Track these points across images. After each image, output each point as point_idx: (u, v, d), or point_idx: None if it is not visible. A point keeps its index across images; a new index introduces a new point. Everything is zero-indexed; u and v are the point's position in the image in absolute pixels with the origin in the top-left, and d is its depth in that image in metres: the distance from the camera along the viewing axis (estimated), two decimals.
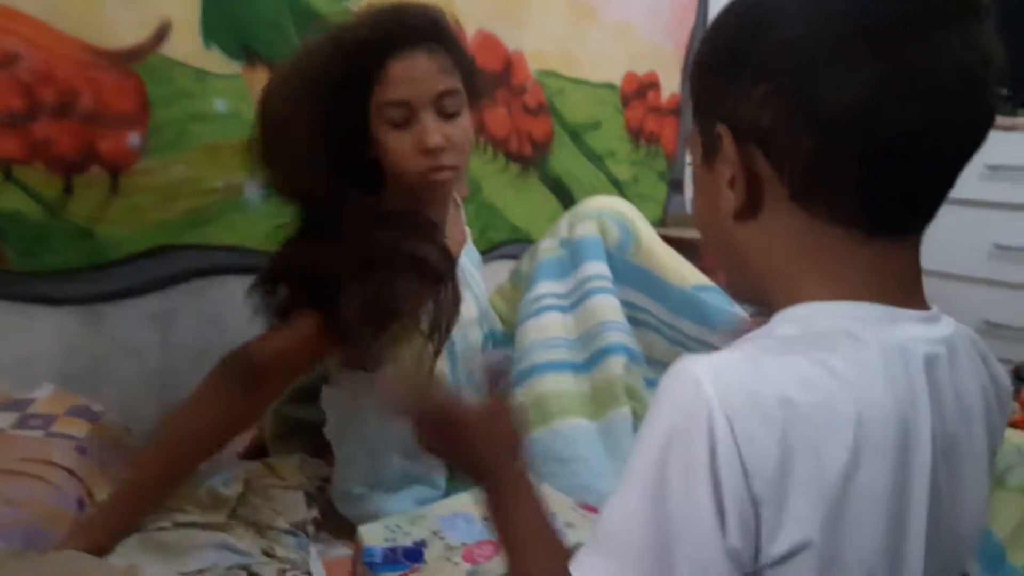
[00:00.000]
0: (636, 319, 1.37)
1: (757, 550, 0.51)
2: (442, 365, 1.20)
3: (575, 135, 2.05)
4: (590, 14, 2.02)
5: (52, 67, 1.23)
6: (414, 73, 1.10)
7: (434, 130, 1.11)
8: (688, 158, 0.68)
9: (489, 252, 1.91)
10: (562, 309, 1.35)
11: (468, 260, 1.34)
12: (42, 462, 1.04)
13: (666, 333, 1.36)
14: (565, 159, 2.03)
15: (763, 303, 0.63)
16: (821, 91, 0.53)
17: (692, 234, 2.01)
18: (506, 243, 1.94)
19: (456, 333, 1.21)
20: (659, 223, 2.27)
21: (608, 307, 1.33)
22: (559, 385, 1.27)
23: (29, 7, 1.20)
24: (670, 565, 0.51)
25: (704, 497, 0.51)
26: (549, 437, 1.22)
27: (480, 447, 0.74)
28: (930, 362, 0.55)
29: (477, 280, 1.35)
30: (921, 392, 0.55)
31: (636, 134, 2.19)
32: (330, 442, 1.23)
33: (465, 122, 1.16)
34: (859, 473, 0.51)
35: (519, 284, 1.44)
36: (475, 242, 1.84)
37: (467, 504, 1.05)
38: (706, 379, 0.52)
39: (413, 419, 0.77)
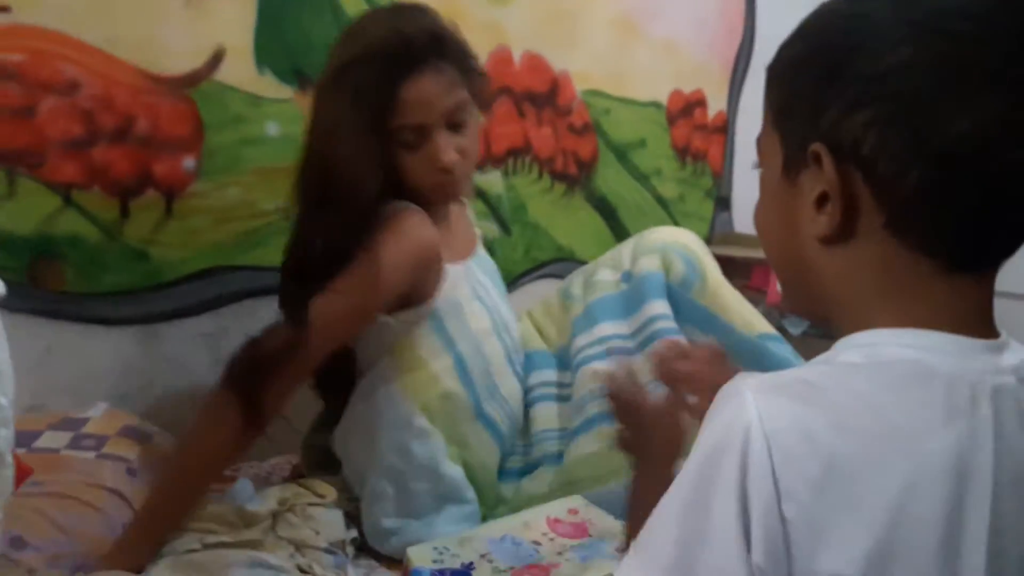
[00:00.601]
0: None
1: (789, 574, 0.51)
2: (453, 379, 1.18)
3: (621, 154, 2.04)
4: (635, 32, 2.02)
5: (111, 94, 1.27)
6: (424, 96, 1.10)
7: (447, 147, 1.13)
8: (755, 164, 0.66)
9: (534, 271, 1.92)
10: (629, 352, 1.31)
11: (478, 267, 1.31)
12: (93, 486, 1.05)
13: None
14: (611, 178, 2.03)
15: (821, 323, 0.63)
16: (935, 121, 0.51)
17: (739, 252, 2.00)
18: (551, 262, 1.94)
19: (463, 344, 1.19)
20: (706, 241, 2.24)
21: None
22: None
23: (91, 37, 1.24)
24: (693, 572, 0.52)
25: (730, 511, 0.50)
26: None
27: (658, 437, 0.83)
28: (998, 392, 0.54)
29: (489, 289, 1.31)
30: (985, 424, 0.53)
31: (682, 152, 2.18)
32: (352, 487, 1.22)
33: (473, 128, 1.18)
34: (909, 507, 0.50)
35: (569, 306, 1.41)
36: (519, 261, 1.87)
37: (516, 527, 1.05)
38: (751, 396, 0.52)
39: (616, 403, 0.89)
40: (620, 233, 2.07)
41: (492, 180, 1.80)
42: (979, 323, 0.56)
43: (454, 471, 1.16)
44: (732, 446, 0.51)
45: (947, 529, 0.51)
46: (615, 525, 1.07)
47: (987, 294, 0.57)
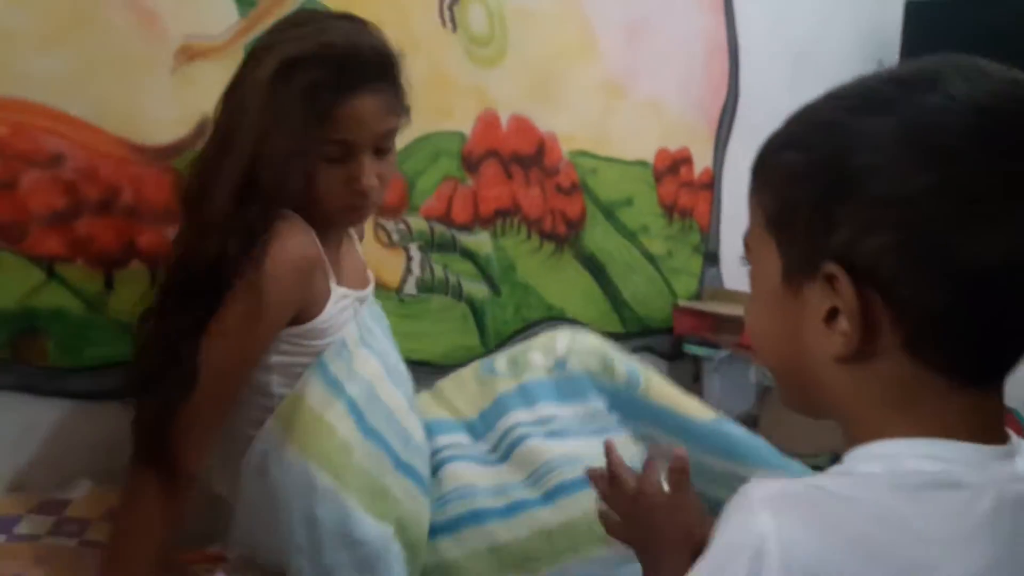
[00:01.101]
0: None
1: None
2: (349, 426, 1.11)
3: (608, 212, 2.04)
4: (621, 93, 2.03)
5: (95, 165, 1.26)
6: (361, 115, 1.09)
7: (370, 171, 1.10)
8: (742, 260, 0.64)
9: (524, 331, 1.90)
10: (578, 434, 1.31)
11: (368, 314, 1.25)
12: None
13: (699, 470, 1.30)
14: (599, 236, 2.02)
15: (821, 417, 0.61)
16: (960, 246, 0.50)
17: (729, 309, 2.00)
18: (541, 321, 1.93)
19: (352, 387, 1.13)
20: (695, 297, 2.25)
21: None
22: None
23: (74, 109, 1.23)
24: None
25: None
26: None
27: (661, 530, 0.78)
28: (1018, 502, 0.52)
29: (379, 337, 1.26)
30: (1011, 536, 0.51)
31: (670, 209, 2.19)
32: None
33: (393, 156, 1.16)
34: None
35: (492, 381, 1.38)
36: (509, 321, 1.85)
37: None
38: (765, 504, 0.50)
39: (607, 497, 0.85)
40: (609, 291, 2.06)
41: (481, 241, 1.79)
42: (992, 431, 0.55)
43: (371, 532, 1.05)
44: (742, 555, 0.49)
45: None
46: None
47: (999, 403, 0.56)
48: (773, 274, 0.59)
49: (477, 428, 1.35)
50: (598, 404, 1.35)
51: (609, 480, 0.86)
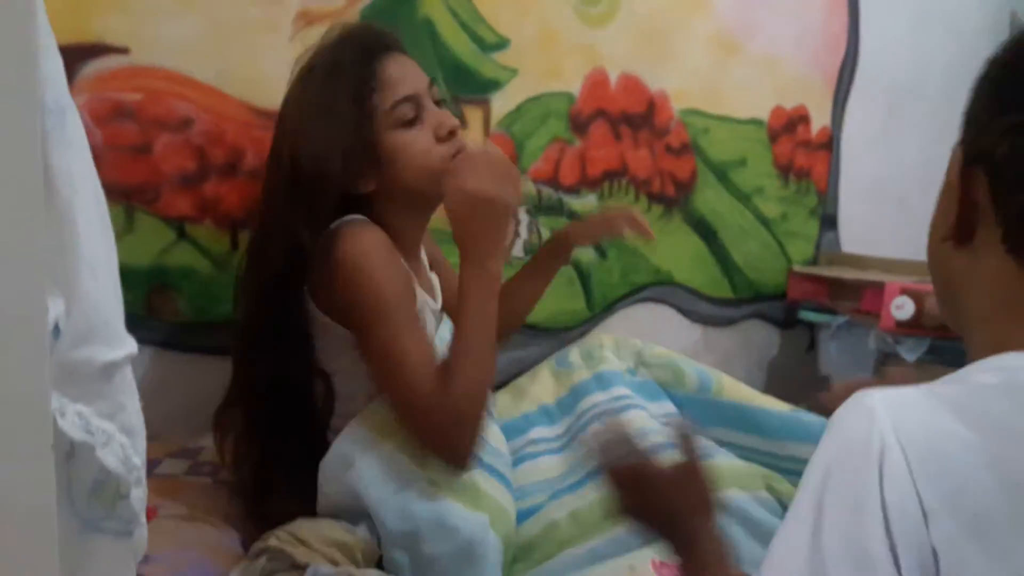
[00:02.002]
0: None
1: None
2: None
3: (721, 174, 1.99)
4: (735, 48, 1.97)
5: (221, 129, 1.30)
6: (406, 69, 1.12)
7: (447, 113, 1.13)
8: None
9: (631, 295, 1.88)
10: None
11: (447, 333, 1.21)
12: (213, 508, 1.09)
13: (769, 463, 1.31)
14: (710, 199, 1.98)
15: (960, 332, 0.61)
16: None
17: (848, 274, 1.93)
18: (649, 286, 1.91)
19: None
20: (811, 261, 2.17)
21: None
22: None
23: (202, 74, 1.28)
24: None
25: (872, 538, 0.47)
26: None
27: (676, 505, 0.74)
28: None
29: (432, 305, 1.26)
30: None
31: (785, 170, 2.11)
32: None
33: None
34: None
35: (568, 373, 1.42)
36: (616, 285, 1.84)
37: (622, 572, 1.02)
38: (882, 409, 0.49)
39: (611, 476, 0.79)
40: (720, 255, 2.02)
41: (588, 203, 1.78)
42: None
43: (468, 521, 1.05)
44: (865, 461, 0.48)
45: None
46: None
47: None
48: (953, 173, 0.60)
49: (554, 414, 1.39)
50: (670, 407, 1.38)
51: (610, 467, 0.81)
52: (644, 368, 1.41)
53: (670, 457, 0.78)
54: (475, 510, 1.07)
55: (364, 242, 1.06)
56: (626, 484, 0.78)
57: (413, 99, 1.10)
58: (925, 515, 0.46)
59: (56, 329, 0.46)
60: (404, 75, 1.11)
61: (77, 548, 0.48)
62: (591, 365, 1.41)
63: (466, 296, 1.06)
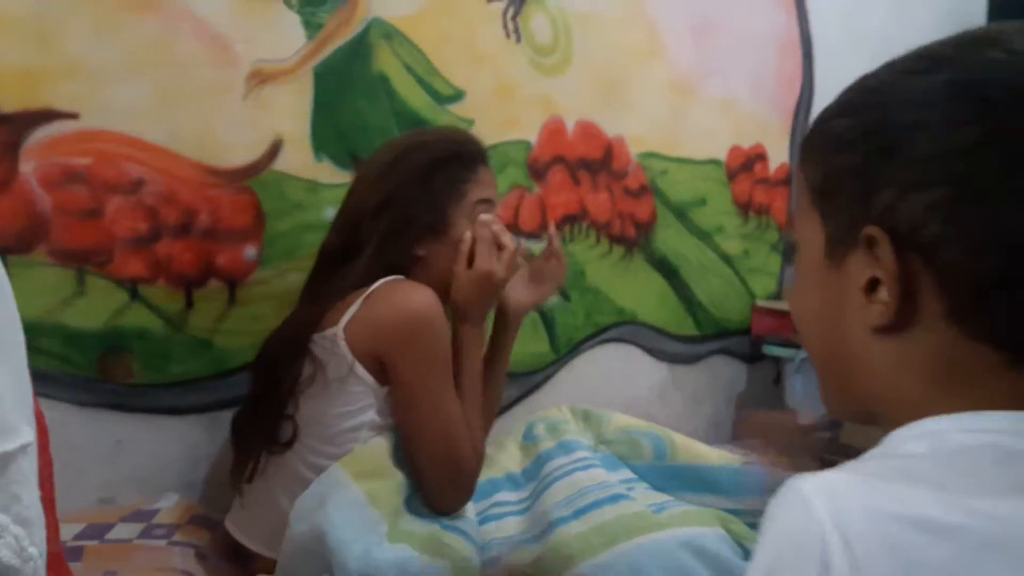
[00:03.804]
0: None
1: None
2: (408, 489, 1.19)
3: (680, 213, 2.02)
4: (690, 92, 2.01)
5: (174, 189, 1.31)
6: (493, 179, 1.32)
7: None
8: (790, 244, 0.62)
9: (596, 336, 1.89)
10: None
11: None
12: (165, 569, 1.08)
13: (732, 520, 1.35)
14: (670, 238, 2.00)
15: (867, 418, 0.58)
16: (1005, 208, 0.47)
17: None
18: (613, 326, 1.92)
19: None
20: (774, 296, 2.20)
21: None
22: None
23: (154, 136, 1.29)
24: None
25: None
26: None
27: None
28: None
29: None
30: None
31: (745, 207, 2.14)
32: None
33: None
34: None
35: (532, 446, 1.49)
36: (580, 327, 1.86)
37: None
38: (818, 501, 0.47)
39: None
40: (683, 293, 2.04)
41: None
42: None
43: (429, 569, 1.08)
44: (808, 560, 0.46)
45: None
46: None
47: None
48: (817, 249, 0.57)
49: (519, 481, 1.46)
50: (629, 474, 1.46)
51: None
52: (603, 445, 1.50)
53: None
54: (436, 558, 1.10)
55: (434, 303, 1.18)
56: None
57: (491, 203, 1.29)
58: None
59: None
60: (492, 183, 1.31)
61: None
62: (555, 436, 1.48)
63: (468, 354, 1.26)
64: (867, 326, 0.54)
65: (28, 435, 0.51)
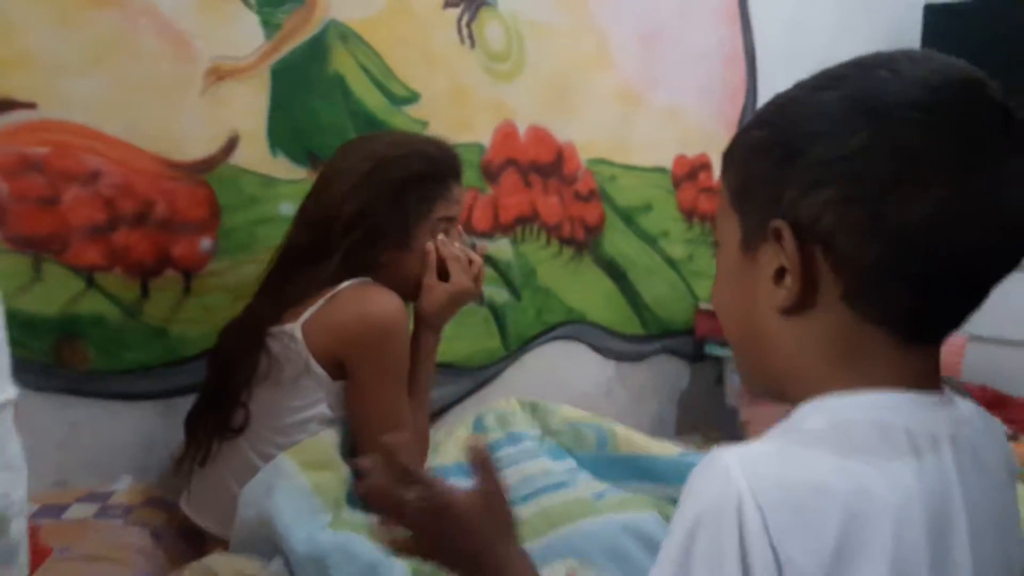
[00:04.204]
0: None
1: None
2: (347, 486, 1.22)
3: (627, 218, 2.09)
4: (638, 102, 2.08)
5: (131, 181, 1.34)
6: (462, 198, 1.35)
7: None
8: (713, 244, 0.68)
9: (545, 334, 1.95)
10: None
11: None
12: (121, 546, 1.11)
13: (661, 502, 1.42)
14: (618, 241, 2.07)
15: (778, 395, 0.65)
16: (888, 204, 0.54)
17: None
18: (562, 324, 1.98)
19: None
20: None
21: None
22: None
23: (112, 128, 1.32)
24: None
25: None
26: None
27: (477, 536, 0.72)
28: (955, 441, 0.57)
29: None
30: (950, 471, 0.56)
31: (689, 214, 2.22)
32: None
33: None
34: (901, 559, 0.52)
35: (480, 437, 1.55)
36: (531, 324, 1.92)
37: None
38: (736, 468, 0.53)
39: (392, 509, 0.74)
40: (630, 294, 2.11)
41: (502, 247, 1.85)
42: (929, 383, 0.59)
43: (370, 548, 1.10)
44: (725, 518, 0.52)
45: (931, 564, 0.53)
46: None
47: (936, 359, 0.60)
48: (734, 244, 0.64)
49: (468, 469, 1.47)
50: (573, 464, 1.54)
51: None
52: (549, 436, 1.57)
53: (467, 485, 0.76)
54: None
55: (401, 311, 1.22)
56: (416, 517, 0.74)
57: (453, 221, 1.33)
58: (779, 563, 0.51)
59: None
60: (460, 199, 1.34)
61: None
62: (504, 427, 1.55)
63: (427, 359, 1.32)
64: (775, 309, 0.61)
65: (11, 392, 0.55)
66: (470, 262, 1.33)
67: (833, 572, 0.51)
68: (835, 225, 0.56)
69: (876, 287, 0.56)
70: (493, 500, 0.74)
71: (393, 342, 1.21)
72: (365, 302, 1.20)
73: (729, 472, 0.53)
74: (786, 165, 0.59)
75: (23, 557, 0.59)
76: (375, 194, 1.24)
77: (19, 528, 0.56)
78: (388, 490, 0.74)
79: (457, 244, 1.33)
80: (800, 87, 0.61)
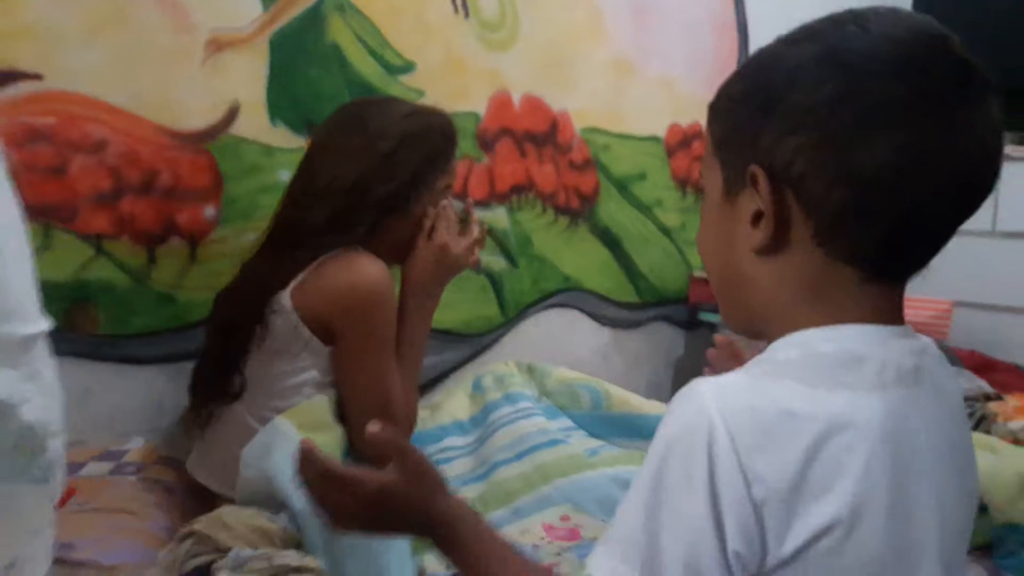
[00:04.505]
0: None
1: (764, 552, 0.56)
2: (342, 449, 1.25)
3: (622, 187, 2.12)
4: (632, 72, 2.11)
5: (135, 150, 1.37)
6: (458, 170, 1.39)
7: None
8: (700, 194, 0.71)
9: (541, 301, 1.99)
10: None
11: None
12: (136, 500, 1.15)
13: None
14: (613, 210, 2.10)
15: (757, 333, 0.69)
16: (855, 150, 0.58)
17: None
18: (558, 292, 2.02)
19: None
20: None
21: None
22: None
23: (115, 99, 1.35)
24: (662, 563, 0.57)
25: (700, 504, 0.56)
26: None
27: (416, 499, 0.75)
28: (918, 370, 0.61)
29: None
30: (912, 398, 0.60)
31: (683, 183, 2.26)
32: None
33: None
34: (863, 480, 0.56)
35: (481, 396, 1.62)
36: (527, 292, 1.95)
37: (513, 533, 1.12)
38: (710, 395, 0.57)
39: (329, 507, 0.77)
40: (625, 262, 2.14)
41: (497, 216, 1.88)
42: (893, 317, 0.63)
43: None
44: (697, 440, 0.56)
45: (894, 496, 0.58)
46: (605, 528, 1.13)
47: (900, 296, 0.64)
48: (717, 191, 0.68)
49: (467, 427, 1.57)
50: (568, 423, 1.61)
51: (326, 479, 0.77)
52: (545, 396, 1.63)
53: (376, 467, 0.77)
54: None
55: (384, 277, 1.22)
56: (362, 514, 0.76)
57: (451, 188, 1.35)
58: (747, 481, 0.55)
59: None
60: (456, 173, 1.37)
61: (2, 494, 0.55)
62: (502, 388, 1.60)
63: (413, 324, 1.30)
64: (751, 250, 0.65)
65: (44, 324, 0.59)
66: (468, 232, 1.34)
67: (800, 491, 0.55)
68: (805, 169, 0.60)
69: (844, 228, 0.60)
70: (414, 467, 0.76)
71: (379, 309, 1.22)
72: (351, 269, 1.21)
73: (703, 398, 0.57)
74: (764, 113, 0.62)
75: (60, 475, 0.63)
76: (384, 169, 1.25)
77: (55, 448, 0.60)
78: (323, 495, 0.77)
79: (469, 211, 1.36)
80: (780, 42, 0.65)
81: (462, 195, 1.42)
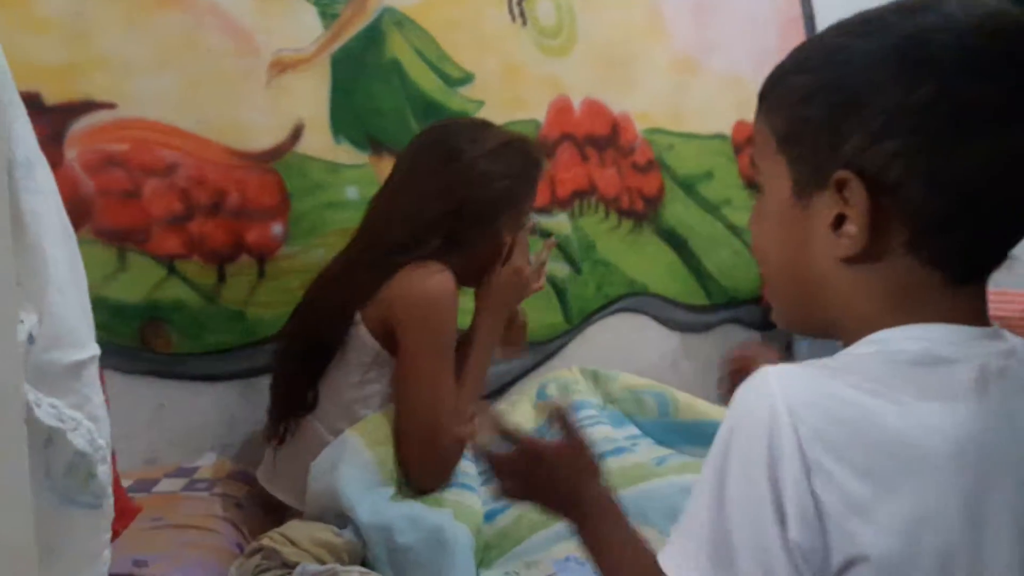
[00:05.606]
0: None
1: (827, 549, 0.54)
2: None
3: (688, 187, 2.09)
4: (694, 69, 2.07)
5: (204, 172, 1.41)
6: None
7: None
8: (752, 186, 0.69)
9: (607, 307, 1.97)
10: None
11: None
12: (208, 515, 1.19)
13: None
14: (679, 211, 2.07)
15: (820, 333, 0.67)
16: (954, 155, 0.55)
17: None
18: (623, 297, 2.00)
19: None
20: None
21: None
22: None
23: (185, 123, 1.40)
24: (731, 553, 0.56)
25: (762, 490, 0.54)
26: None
27: (562, 473, 0.81)
28: (1003, 373, 0.58)
29: None
30: (995, 403, 0.57)
31: (752, 180, 2.21)
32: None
33: None
34: (932, 478, 0.54)
35: (541, 405, 1.61)
36: (591, 299, 1.94)
37: (575, 547, 1.10)
38: (774, 380, 0.56)
39: (495, 464, 0.85)
40: (693, 264, 2.11)
41: (559, 222, 1.87)
42: (977, 318, 0.60)
43: (433, 515, 1.17)
44: (758, 424, 0.55)
45: (969, 501, 0.55)
46: None
47: (983, 296, 0.61)
48: (783, 190, 0.64)
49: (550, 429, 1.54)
50: (635, 430, 1.58)
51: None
52: (611, 403, 1.61)
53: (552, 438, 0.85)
54: (437, 507, 1.20)
55: (449, 285, 1.23)
56: (513, 467, 0.85)
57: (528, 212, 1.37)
58: (808, 468, 0.53)
59: (31, 337, 0.56)
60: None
61: (57, 520, 0.58)
62: (565, 395, 1.60)
63: (479, 344, 1.31)
64: (834, 257, 0.61)
65: (95, 348, 0.61)
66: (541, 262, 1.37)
67: (863, 488, 0.53)
68: (903, 176, 0.57)
69: (940, 234, 0.58)
70: (577, 448, 0.83)
71: (439, 313, 1.22)
72: (418, 275, 1.22)
73: (768, 384, 0.56)
74: (844, 114, 0.59)
75: (109, 502, 0.65)
76: (474, 196, 1.27)
77: (105, 473, 0.63)
78: (500, 461, 0.86)
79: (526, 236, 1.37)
80: (841, 31, 0.62)
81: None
